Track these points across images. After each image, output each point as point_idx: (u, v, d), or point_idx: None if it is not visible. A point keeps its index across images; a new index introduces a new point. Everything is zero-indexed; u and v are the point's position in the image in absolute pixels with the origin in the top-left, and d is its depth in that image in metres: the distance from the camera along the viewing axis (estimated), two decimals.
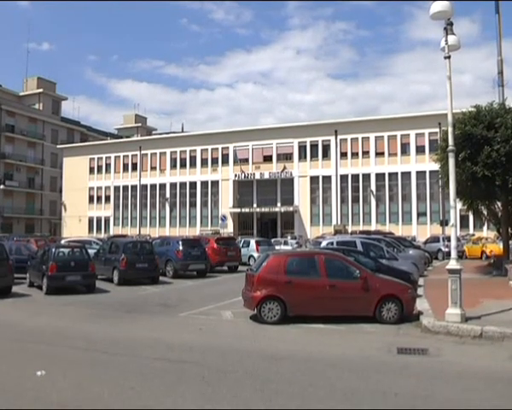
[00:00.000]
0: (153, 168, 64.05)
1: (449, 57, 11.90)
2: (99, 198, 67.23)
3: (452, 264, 11.46)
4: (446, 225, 37.74)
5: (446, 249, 32.99)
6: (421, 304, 13.43)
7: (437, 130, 45.49)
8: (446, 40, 11.85)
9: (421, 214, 50.90)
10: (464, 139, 19.80)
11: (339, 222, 52.93)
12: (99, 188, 67.19)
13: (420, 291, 16.06)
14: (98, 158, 67.57)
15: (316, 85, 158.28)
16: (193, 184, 61.17)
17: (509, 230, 23.94)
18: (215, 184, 60.09)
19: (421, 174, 50.48)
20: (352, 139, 53.77)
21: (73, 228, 63.93)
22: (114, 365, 8.24)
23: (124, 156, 66.03)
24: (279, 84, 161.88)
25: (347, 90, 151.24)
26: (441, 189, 38.53)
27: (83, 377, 7.48)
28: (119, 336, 10.61)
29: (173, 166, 62.87)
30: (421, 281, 18.77)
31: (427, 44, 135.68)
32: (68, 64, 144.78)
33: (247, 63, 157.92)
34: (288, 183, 56.25)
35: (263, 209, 56.82)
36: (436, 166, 25.03)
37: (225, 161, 59.72)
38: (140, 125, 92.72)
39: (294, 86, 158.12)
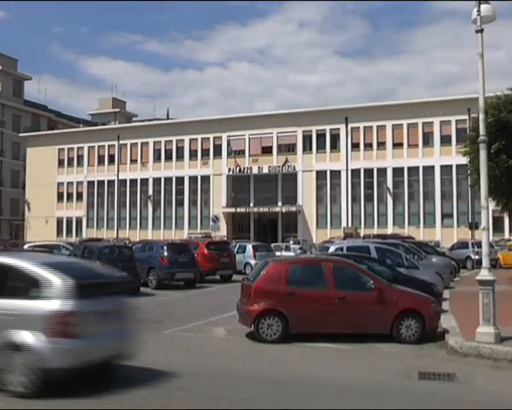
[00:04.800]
0: (133, 161, 63.96)
1: (481, 31, 11.84)
2: (69, 195, 67.11)
3: (484, 274, 11.41)
4: (476, 228, 37.57)
5: (476, 257, 32.98)
6: (446, 321, 13.39)
7: (466, 117, 45.49)
8: (478, 10, 11.78)
9: (446, 216, 50.95)
10: (498, 128, 19.79)
11: (349, 224, 52.95)
12: (69, 184, 67.07)
13: (445, 306, 16.04)
14: (69, 149, 67.44)
15: (321, 64, 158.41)
16: (180, 180, 61.12)
17: None
18: (206, 179, 60.04)
19: (446, 169, 50.53)
20: (365, 128, 53.79)
21: (39, 230, 63.74)
22: (85, 393, 8.16)
23: (99, 147, 65.92)
24: (278, 63, 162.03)
25: (358, 71, 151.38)
26: (470, 186, 38.45)
27: None
28: None
29: (157, 158, 62.79)
30: (446, 294, 18.75)
31: (455, 15, 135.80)
32: (30, 37, 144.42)
33: (241, 39, 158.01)
34: (291, 178, 56.25)
35: (261, 209, 56.80)
36: (464, 160, 25.02)
37: (218, 152, 59.68)
38: (118, 110, 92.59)
39: (296, 66, 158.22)
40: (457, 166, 46.96)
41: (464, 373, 9.33)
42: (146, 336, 12.75)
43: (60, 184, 67.53)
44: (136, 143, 63.81)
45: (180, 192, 61.24)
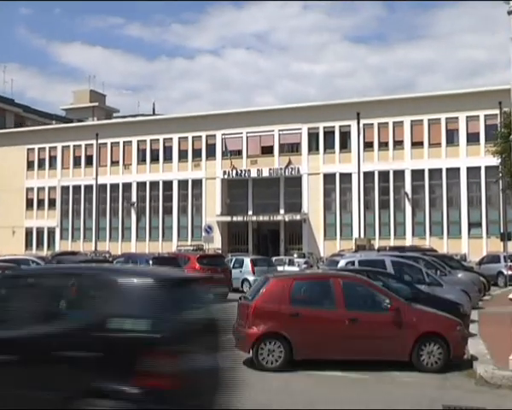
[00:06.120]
0: (114, 163, 63.95)
1: None
2: (40, 202, 67.04)
3: None
4: (509, 239, 37.66)
5: (510, 272, 32.96)
6: (474, 346, 13.36)
7: (496, 111, 45.47)
8: None
9: (473, 225, 50.89)
10: None
11: (362, 235, 52.91)
12: (40, 189, 67.01)
13: (473, 329, 16.01)
14: (39, 149, 67.42)
15: (329, 52, 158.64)
16: (168, 184, 61.10)
17: None
18: (197, 183, 60.04)
19: (473, 171, 50.51)
20: (379, 124, 53.82)
21: (4, 243, 63.57)
22: None
23: (74, 147, 65.91)
24: (279, 50, 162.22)
25: (372, 59, 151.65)
26: (502, 191, 38.52)
27: None
28: None
29: (141, 159, 62.77)
30: (474, 315, 18.72)
31: None
32: None
33: (237, 22, 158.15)
34: (295, 183, 56.27)
35: (261, 218, 56.77)
36: (495, 161, 25.08)
37: (211, 153, 59.68)
38: (97, 104, 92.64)
39: (300, 53, 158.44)
40: (486, 167, 46.89)
41: (496, 407, 9.28)
42: None
43: (29, 190, 67.41)
44: (118, 143, 63.77)
45: (168, 198, 61.16)
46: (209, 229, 51.11)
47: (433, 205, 52.45)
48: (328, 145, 55.59)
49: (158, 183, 61.58)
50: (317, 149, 56.00)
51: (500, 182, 29.24)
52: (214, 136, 59.53)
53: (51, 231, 66.19)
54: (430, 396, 9.90)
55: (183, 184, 60.65)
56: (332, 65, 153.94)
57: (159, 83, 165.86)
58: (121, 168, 63.53)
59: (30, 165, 67.77)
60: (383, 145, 53.93)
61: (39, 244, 65.73)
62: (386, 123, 53.61)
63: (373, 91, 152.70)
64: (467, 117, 51.02)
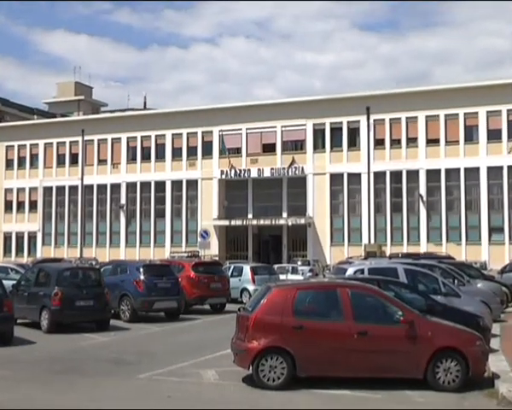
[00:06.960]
0: (101, 161, 63.96)
1: None
2: (20, 205, 67.01)
3: None
4: None
5: None
6: (496, 362, 13.38)
7: None
8: None
9: (494, 230, 50.88)
10: None
11: (372, 241, 52.91)
12: (20, 190, 66.99)
13: (494, 343, 16.03)
14: (19, 146, 67.42)
15: (336, 40, 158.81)
16: (160, 185, 61.10)
17: None
18: (192, 184, 60.04)
19: (495, 171, 50.50)
20: (391, 120, 53.84)
21: None
22: None
23: (58, 144, 65.92)
24: (282, 38, 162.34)
25: (383, 48, 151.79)
26: None
27: None
28: None
29: (131, 158, 62.79)
30: (495, 328, 18.73)
31: None
32: None
33: (236, 8, 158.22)
34: (299, 183, 56.29)
35: (262, 222, 56.80)
36: None
37: (207, 151, 59.70)
38: (82, 97, 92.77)
39: (304, 42, 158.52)
40: (509, 167, 46.98)
41: None
42: (117, 382, 12.73)
43: (8, 191, 67.44)
44: (106, 140, 63.79)
45: (160, 200, 61.17)
46: (205, 234, 51.19)
47: (451, 208, 52.43)
48: (336, 143, 55.60)
49: (149, 183, 61.58)
50: (323, 146, 55.99)
51: None
52: (211, 132, 59.56)
53: (32, 236, 66.12)
54: None
55: (176, 184, 60.65)
56: (339, 55, 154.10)
57: (150, 74, 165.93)
58: (109, 167, 63.53)
59: (9, 164, 67.78)
60: (395, 143, 53.93)
61: (19, 250, 65.67)
62: (399, 118, 53.62)
63: (384, 84, 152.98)
64: (487, 112, 51.00)
